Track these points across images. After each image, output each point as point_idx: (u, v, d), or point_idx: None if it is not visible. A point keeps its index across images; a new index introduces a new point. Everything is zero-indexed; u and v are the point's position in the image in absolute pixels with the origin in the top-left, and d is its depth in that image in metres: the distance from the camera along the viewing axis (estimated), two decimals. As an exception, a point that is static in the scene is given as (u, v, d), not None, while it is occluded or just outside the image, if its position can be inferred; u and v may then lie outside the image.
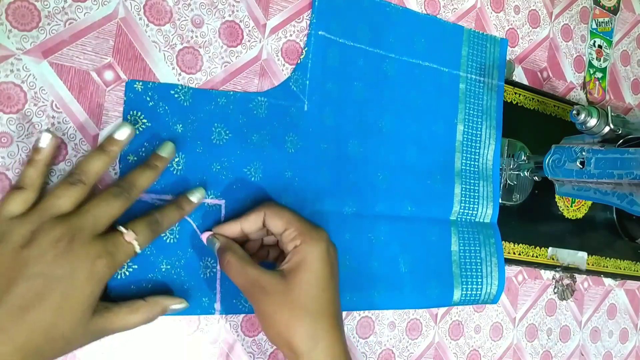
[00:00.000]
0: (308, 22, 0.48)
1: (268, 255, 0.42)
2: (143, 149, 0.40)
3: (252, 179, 0.44)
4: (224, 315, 0.43)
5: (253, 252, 0.42)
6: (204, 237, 0.40)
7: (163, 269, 0.40)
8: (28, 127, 0.37)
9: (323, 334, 0.36)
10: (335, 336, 0.36)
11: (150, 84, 0.40)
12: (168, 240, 0.40)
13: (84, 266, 0.32)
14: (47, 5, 0.37)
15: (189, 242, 0.41)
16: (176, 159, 0.41)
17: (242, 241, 0.41)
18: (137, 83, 0.40)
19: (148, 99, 0.40)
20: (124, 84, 0.40)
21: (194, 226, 0.41)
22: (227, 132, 0.43)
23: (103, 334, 0.35)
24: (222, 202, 0.42)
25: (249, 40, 0.45)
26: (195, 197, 0.39)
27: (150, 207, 0.39)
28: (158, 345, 0.41)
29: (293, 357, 0.35)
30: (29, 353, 0.31)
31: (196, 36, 0.43)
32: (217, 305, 0.42)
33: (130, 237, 0.34)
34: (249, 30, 0.45)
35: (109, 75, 0.39)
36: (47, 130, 0.35)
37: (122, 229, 0.34)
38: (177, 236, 0.40)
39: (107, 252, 0.33)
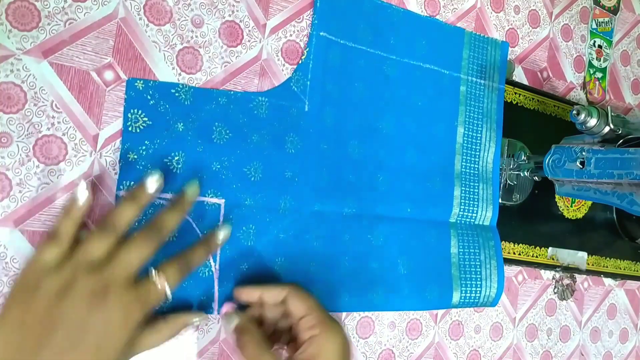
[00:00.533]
0: (308, 22, 0.48)
1: (279, 340, 0.41)
2: (143, 147, 0.40)
3: (252, 178, 0.44)
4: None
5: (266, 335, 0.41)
6: (224, 310, 0.41)
7: None
8: (28, 127, 0.37)
9: None
10: None
11: (151, 82, 0.40)
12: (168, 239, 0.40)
13: (118, 315, 0.33)
14: (47, 5, 0.37)
15: (188, 240, 0.41)
16: (176, 158, 0.41)
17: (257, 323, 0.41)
18: (138, 81, 0.40)
19: (149, 97, 0.40)
20: (124, 84, 0.40)
21: (194, 225, 0.41)
22: (228, 131, 0.43)
23: (130, 356, 0.35)
24: (221, 201, 0.42)
25: (249, 40, 0.45)
26: (222, 235, 0.41)
27: (152, 206, 0.39)
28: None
29: None
30: None
31: (196, 36, 0.43)
32: (215, 305, 0.42)
33: (162, 282, 0.35)
34: (249, 30, 0.45)
35: (109, 75, 0.39)
36: (84, 181, 0.35)
37: (153, 274, 0.35)
38: (176, 234, 0.40)
39: (139, 299, 0.34)
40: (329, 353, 0.36)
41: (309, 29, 0.47)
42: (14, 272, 0.36)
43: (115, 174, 0.39)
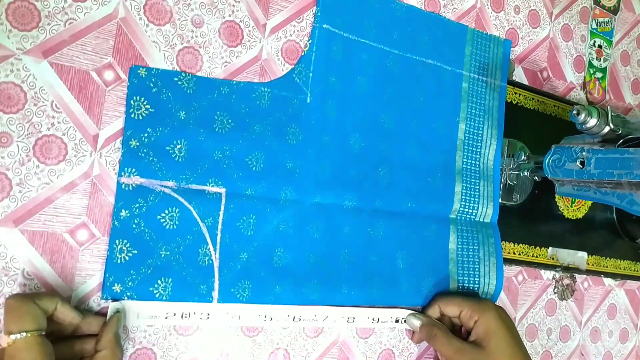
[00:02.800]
0: (308, 21, 0.48)
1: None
2: (145, 135, 0.40)
3: (254, 168, 0.44)
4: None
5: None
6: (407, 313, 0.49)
7: (162, 255, 0.40)
8: (28, 127, 0.37)
9: None
10: None
11: (154, 70, 0.41)
12: (168, 227, 0.40)
13: None
14: (47, 5, 0.37)
15: (189, 229, 0.41)
16: (178, 146, 0.41)
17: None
18: (140, 69, 0.40)
19: (151, 85, 0.40)
20: (124, 83, 0.40)
21: (194, 213, 0.41)
22: (230, 121, 0.43)
23: None
24: (222, 190, 0.42)
25: (249, 40, 0.45)
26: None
27: (153, 194, 0.40)
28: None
29: None
30: None
31: (196, 36, 0.43)
32: (215, 294, 0.42)
33: None
34: (249, 30, 0.45)
35: (109, 75, 0.39)
36: None
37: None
38: (177, 222, 0.41)
39: None
40: (494, 328, 0.46)
41: (311, 25, 0.48)
42: (13, 272, 0.36)
43: (115, 173, 0.39)
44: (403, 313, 0.50)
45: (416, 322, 0.49)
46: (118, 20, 0.40)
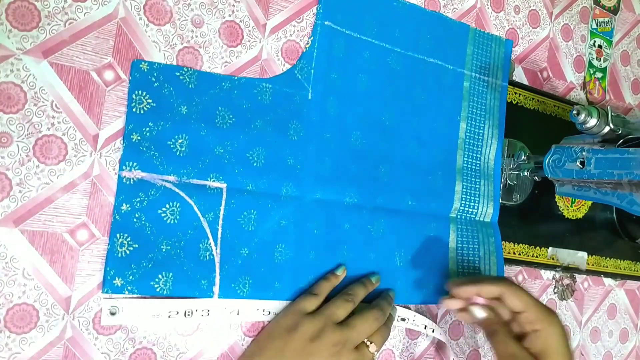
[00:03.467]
0: (308, 21, 0.48)
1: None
2: (147, 129, 0.40)
3: (255, 164, 0.44)
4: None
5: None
6: (479, 301, 0.47)
7: (163, 250, 0.40)
8: (28, 127, 0.37)
9: None
10: None
11: (156, 64, 0.41)
12: (168, 221, 0.40)
13: None
14: (47, 5, 0.37)
15: (190, 223, 0.41)
16: (179, 141, 0.41)
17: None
18: (142, 63, 0.40)
19: (153, 79, 0.40)
20: (124, 83, 0.40)
21: (195, 208, 0.41)
22: (231, 116, 0.43)
23: None
24: (223, 185, 0.42)
25: (249, 40, 0.45)
26: (375, 280, 0.48)
27: (154, 188, 0.40)
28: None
29: None
30: None
31: (196, 36, 0.43)
32: (216, 289, 0.42)
33: (373, 349, 0.43)
34: (249, 30, 0.45)
35: (109, 75, 0.39)
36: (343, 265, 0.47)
37: (367, 342, 0.43)
38: (178, 217, 0.41)
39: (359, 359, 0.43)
40: (557, 346, 0.44)
41: (311, 25, 0.48)
42: (13, 272, 0.36)
43: (115, 173, 0.39)
44: (409, 314, 0.50)
45: (481, 314, 0.46)
46: (118, 20, 0.40)
